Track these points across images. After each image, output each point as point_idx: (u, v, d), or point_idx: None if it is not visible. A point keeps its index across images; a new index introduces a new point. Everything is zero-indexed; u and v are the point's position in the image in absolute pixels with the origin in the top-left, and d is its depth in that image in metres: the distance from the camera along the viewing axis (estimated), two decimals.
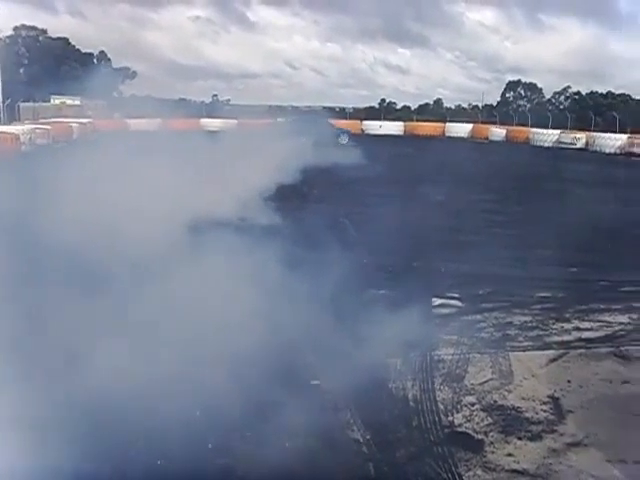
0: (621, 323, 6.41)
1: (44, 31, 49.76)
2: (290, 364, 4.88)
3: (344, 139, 35.60)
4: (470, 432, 4.14)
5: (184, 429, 3.92)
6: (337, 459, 3.86)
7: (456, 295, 7.08)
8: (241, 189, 10.94)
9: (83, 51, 50.68)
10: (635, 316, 6.61)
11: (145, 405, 4.05)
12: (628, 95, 58.43)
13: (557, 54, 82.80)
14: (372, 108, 59.86)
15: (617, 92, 59.03)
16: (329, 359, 5.03)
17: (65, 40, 50.15)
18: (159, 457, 3.66)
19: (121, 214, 7.42)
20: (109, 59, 50.34)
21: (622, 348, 5.70)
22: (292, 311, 5.63)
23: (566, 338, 5.93)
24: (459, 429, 4.18)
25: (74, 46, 50.59)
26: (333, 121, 39.49)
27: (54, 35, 49.77)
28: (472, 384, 4.83)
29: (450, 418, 4.30)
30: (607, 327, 6.28)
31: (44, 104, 39.72)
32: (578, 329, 6.19)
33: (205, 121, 42.17)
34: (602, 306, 6.92)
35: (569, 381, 4.93)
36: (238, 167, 12.50)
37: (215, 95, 55.59)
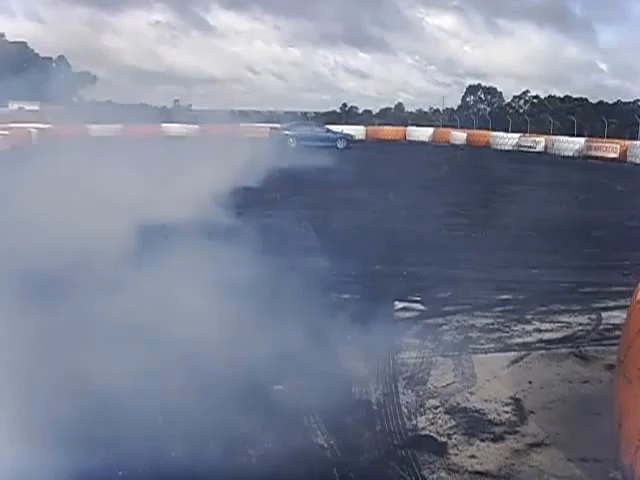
0: (581, 324, 6.48)
1: (1, 35, 49.19)
2: (251, 370, 4.85)
3: (341, 144, 37.35)
4: (433, 435, 4.15)
5: (145, 437, 3.88)
6: (301, 465, 3.83)
7: (418, 298, 7.11)
8: (194, 193, 10.91)
9: (42, 55, 50.18)
10: (594, 317, 6.70)
11: (104, 412, 4.02)
12: (585, 99, 59.31)
13: (515, 58, 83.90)
14: (334, 112, 60.05)
15: (575, 96, 59.90)
16: (291, 364, 5.01)
17: (23, 44, 49.59)
18: (120, 467, 3.61)
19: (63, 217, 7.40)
20: (68, 64, 49.78)
21: (582, 349, 5.76)
22: (252, 317, 5.64)
23: (527, 340, 5.98)
24: (422, 432, 4.18)
25: (32, 50, 50.06)
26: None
27: (12, 39, 49.26)
28: (435, 387, 4.84)
29: (414, 421, 4.30)
30: (567, 328, 6.35)
31: (1, 109, 39.14)
32: (539, 330, 6.25)
33: (167, 126, 41.79)
34: (562, 307, 7.00)
35: (530, 382, 4.97)
36: (194, 170, 12.49)
37: (177, 100, 55.29)
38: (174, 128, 41.54)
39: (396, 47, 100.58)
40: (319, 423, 4.22)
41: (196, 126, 41.23)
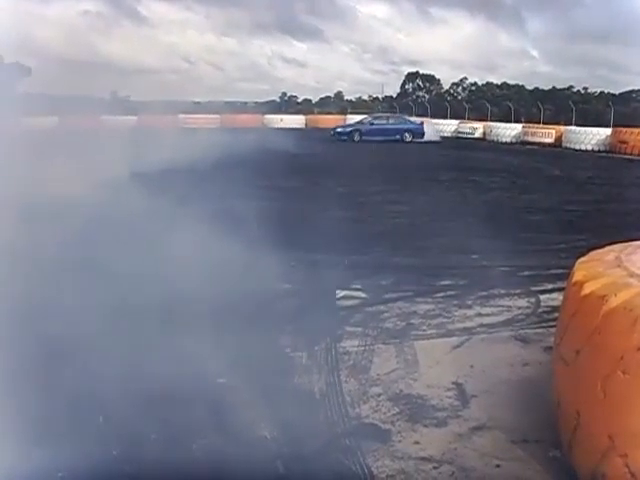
0: (520, 307, 6.57)
1: None
2: (195, 363, 4.80)
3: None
4: (377, 422, 4.15)
5: (86, 436, 3.81)
6: (245, 457, 3.80)
7: (359, 286, 7.13)
8: None
9: None
10: (533, 300, 6.80)
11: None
12: (522, 85, 60.27)
13: (449, 46, 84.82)
14: (273, 102, 59.77)
15: (511, 83, 60.83)
16: (234, 357, 4.97)
17: None
18: (58, 469, 3.52)
19: None
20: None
21: (522, 331, 5.85)
22: (196, 309, 5.59)
23: (468, 324, 6.03)
24: (366, 420, 4.18)
25: None
26: None
27: None
28: (378, 375, 4.84)
29: (357, 410, 4.30)
30: (507, 312, 6.43)
31: None
32: (480, 315, 6.32)
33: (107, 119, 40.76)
34: (502, 291, 7.08)
35: (472, 366, 5.01)
36: None
37: (114, 91, 54.21)
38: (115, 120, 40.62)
39: (331, 36, 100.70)
40: (262, 414, 4.18)
41: (135, 117, 40.66)
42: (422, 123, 38.40)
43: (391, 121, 38.31)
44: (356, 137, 36.49)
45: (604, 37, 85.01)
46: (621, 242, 4.04)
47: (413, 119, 40.91)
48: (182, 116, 42.17)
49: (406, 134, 36.44)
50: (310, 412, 4.28)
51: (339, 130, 37.88)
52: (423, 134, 36.71)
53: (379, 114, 42.85)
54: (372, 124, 37.71)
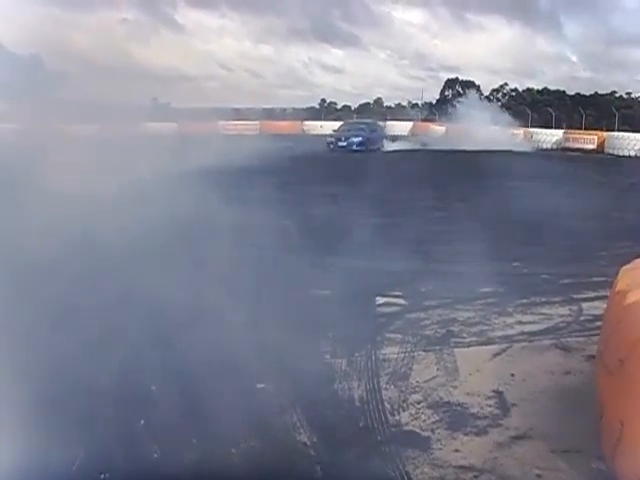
0: (561, 315, 6.51)
1: None
2: (234, 368, 4.84)
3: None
4: (417, 430, 4.14)
5: (126, 437, 3.86)
6: (285, 463, 3.82)
7: (399, 293, 7.11)
8: None
9: (15, 53, 49.57)
10: (575, 308, 6.73)
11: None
12: (563, 91, 59.56)
13: (486, 52, 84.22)
14: (312, 109, 59.77)
15: (552, 88, 60.15)
16: (273, 362, 5.01)
17: None
18: (102, 470, 3.57)
19: None
20: (42, 62, 49.08)
21: (563, 340, 5.79)
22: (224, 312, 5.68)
23: (509, 332, 6.00)
24: (406, 428, 4.17)
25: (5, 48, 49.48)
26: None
27: None
28: (417, 382, 4.84)
29: (397, 417, 4.30)
30: (548, 320, 6.38)
31: None
32: (520, 323, 6.27)
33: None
34: (543, 299, 7.03)
35: (513, 375, 4.98)
36: None
37: (155, 98, 54.70)
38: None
39: (367, 42, 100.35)
40: (302, 420, 4.20)
41: (174, 124, 40.99)
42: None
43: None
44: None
45: None
46: None
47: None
48: (222, 123, 42.40)
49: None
50: (350, 418, 4.28)
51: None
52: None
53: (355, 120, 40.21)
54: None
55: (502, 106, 51.03)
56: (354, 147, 31.77)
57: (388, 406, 4.43)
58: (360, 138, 32.69)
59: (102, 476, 3.48)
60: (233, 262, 7.68)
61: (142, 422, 4.10)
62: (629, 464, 3.08)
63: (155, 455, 3.80)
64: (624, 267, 3.81)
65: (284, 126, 47.92)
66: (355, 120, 39.99)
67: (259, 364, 5.01)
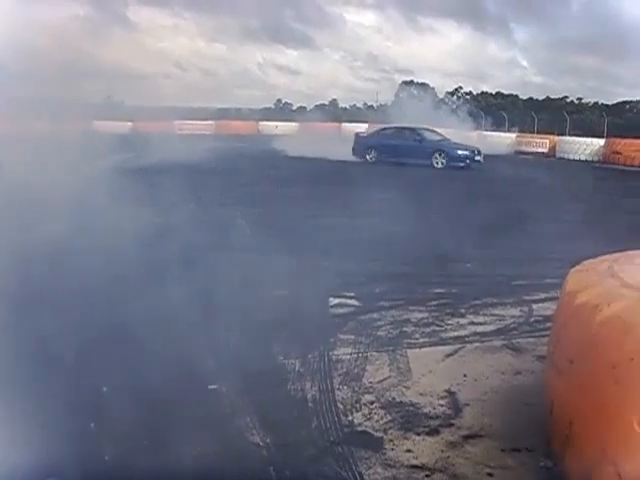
0: (513, 316, 6.59)
1: None
2: (186, 369, 4.80)
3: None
4: (370, 430, 4.14)
5: (75, 441, 3.80)
6: (237, 464, 3.80)
7: (352, 294, 7.12)
8: None
9: None
10: (526, 309, 6.81)
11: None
12: (516, 95, 60.50)
13: (439, 55, 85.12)
14: (268, 109, 59.69)
15: (506, 92, 61.06)
16: (226, 363, 4.99)
17: None
18: (48, 473, 3.51)
19: None
20: None
21: (514, 341, 5.86)
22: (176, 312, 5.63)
23: (461, 333, 6.05)
24: (359, 428, 4.17)
25: None
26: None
27: None
28: (370, 382, 4.84)
29: (349, 417, 4.29)
30: (500, 320, 6.45)
31: None
32: (473, 323, 6.33)
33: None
34: (495, 300, 7.10)
35: (465, 375, 5.02)
36: None
37: (109, 96, 53.98)
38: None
39: (321, 43, 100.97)
40: (254, 421, 4.18)
41: (129, 123, 40.69)
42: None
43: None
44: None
45: (594, 48, 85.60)
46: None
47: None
48: (177, 122, 42.19)
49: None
50: (303, 419, 4.27)
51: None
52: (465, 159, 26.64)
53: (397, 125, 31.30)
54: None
55: (456, 109, 51.57)
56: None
57: (341, 407, 4.43)
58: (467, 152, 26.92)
59: None
60: (177, 261, 7.68)
61: (91, 425, 4.04)
62: (577, 462, 3.12)
63: (105, 458, 3.74)
64: (573, 268, 3.86)
65: (239, 126, 47.90)
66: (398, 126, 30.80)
67: (211, 365, 4.99)
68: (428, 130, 29.54)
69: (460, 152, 26.60)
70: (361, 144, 28.89)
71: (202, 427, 4.10)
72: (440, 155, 26.45)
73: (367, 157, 28.13)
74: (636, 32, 74.36)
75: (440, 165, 26.20)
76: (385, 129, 29.88)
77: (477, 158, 26.73)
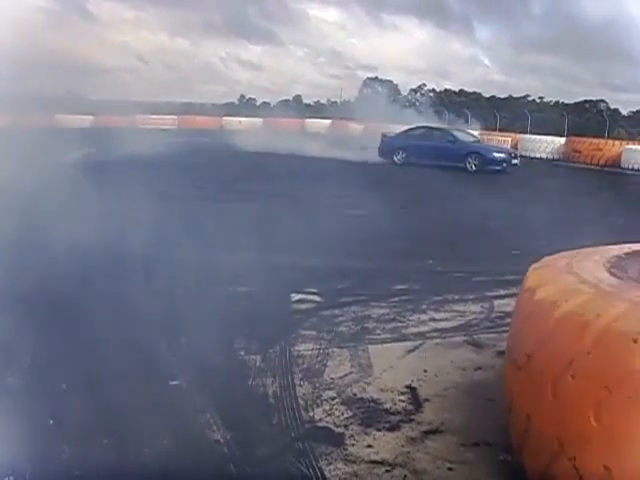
0: (474, 312, 6.63)
1: None
2: (147, 365, 4.77)
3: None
4: (331, 426, 4.14)
5: (32, 437, 3.74)
6: (197, 461, 3.77)
7: (314, 290, 7.12)
8: None
9: None
10: (487, 305, 6.87)
11: None
12: (479, 93, 61.05)
13: (402, 52, 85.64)
14: (231, 104, 59.42)
15: (469, 90, 61.60)
16: (187, 359, 4.96)
17: None
18: (5, 473, 3.45)
19: None
20: None
21: (475, 336, 5.90)
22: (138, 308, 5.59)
23: (422, 329, 6.07)
24: (320, 424, 4.17)
25: None
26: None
27: None
28: (332, 378, 4.84)
29: (311, 413, 4.29)
30: (461, 317, 6.49)
31: None
32: (434, 320, 6.36)
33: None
34: (456, 296, 7.15)
35: (426, 371, 5.04)
36: None
37: (70, 90, 53.41)
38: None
39: (284, 39, 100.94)
40: (215, 418, 4.15)
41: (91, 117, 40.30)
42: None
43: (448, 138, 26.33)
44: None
45: (555, 48, 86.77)
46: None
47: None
48: (139, 117, 41.87)
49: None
50: (264, 416, 4.25)
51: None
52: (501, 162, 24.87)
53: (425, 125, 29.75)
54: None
55: (420, 106, 51.86)
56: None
57: (302, 402, 4.42)
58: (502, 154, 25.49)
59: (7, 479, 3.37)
60: (133, 258, 7.64)
61: (50, 422, 3.98)
62: (535, 456, 3.15)
63: (63, 455, 3.69)
64: (533, 265, 3.90)
65: (203, 121, 47.65)
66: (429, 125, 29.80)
67: (172, 361, 4.96)
68: (461, 131, 28.74)
69: (496, 155, 25.03)
70: (388, 145, 27.44)
71: (162, 424, 4.07)
72: (474, 157, 24.73)
73: (395, 159, 26.54)
74: (596, 33, 75.50)
75: (474, 168, 24.52)
76: (412, 129, 28.34)
77: (514, 161, 25.41)
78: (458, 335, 5.95)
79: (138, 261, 7.65)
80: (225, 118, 49.33)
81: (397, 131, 29.01)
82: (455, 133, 27.07)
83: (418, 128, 28.35)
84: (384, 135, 28.43)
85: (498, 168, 24.39)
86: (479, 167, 24.38)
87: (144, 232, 8.47)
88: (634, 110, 58.98)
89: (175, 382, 4.64)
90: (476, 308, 6.78)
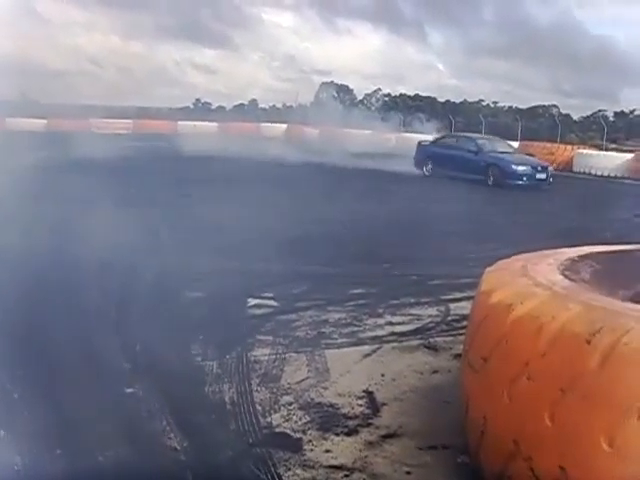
0: (430, 315, 6.68)
1: None
2: (103, 372, 4.71)
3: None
4: (288, 432, 4.13)
5: None
6: (154, 469, 3.73)
7: (271, 295, 7.10)
8: None
9: None
10: (443, 308, 6.92)
11: None
12: (434, 98, 61.67)
13: (358, 57, 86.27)
14: (187, 108, 59.10)
15: (424, 95, 62.22)
16: (143, 365, 4.91)
17: None
18: None
19: None
20: None
21: (431, 340, 5.94)
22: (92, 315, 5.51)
23: (379, 333, 6.09)
24: (277, 429, 4.15)
25: None
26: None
27: None
28: (289, 383, 4.83)
29: (268, 419, 4.27)
30: (417, 320, 6.52)
31: None
32: (390, 323, 6.38)
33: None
34: (412, 300, 7.19)
35: (383, 375, 5.05)
36: None
37: (23, 93, 52.52)
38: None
39: (239, 43, 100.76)
40: (172, 425, 4.11)
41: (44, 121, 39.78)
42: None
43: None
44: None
45: (506, 54, 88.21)
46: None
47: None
48: (93, 121, 41.38)
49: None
50: (221, 422, 4.22)
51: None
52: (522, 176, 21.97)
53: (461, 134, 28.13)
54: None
55: (375, 110, 52.13)
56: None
57: (260, 408, 4.40)
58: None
59: None
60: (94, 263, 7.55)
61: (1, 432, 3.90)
62: (492, 457, 3.18)
63: (15, 467, 3.62)
64: (488, 268, 3.93)
65: (158, 125, 47.23)
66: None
67: (128, 368, 4.90)
68: (490, 139, 26.01)
69: (515, 167, 22.02)
70: (421, 154, 25.37)
71: (118, 431, 4.02)
72: (493, 170, 22.10)
73: (424, 170, 24.58)
74: (546, 39, 76.83)
75: (492, 182, 21.94)
76: (446, 136, 26.68)
77: (539, 176, 22.26)
78: (415, 339, 5.98)
79: (87, 267, 7.55)
80: (180, 122, 48.95)
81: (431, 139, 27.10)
82: (480, 142, 24.26)
83: (451, 136, 26.73)
84: (419, 144, 26.22)
85: (519, 183, 21.63)
86: (497, 181, 21.81)
87: (91, 238, 8.37)
88: (584, 115, 60.34)
89: (131, 389, 4.58)
90: (432, 311, 6.82)
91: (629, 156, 32.11)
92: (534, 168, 22.27)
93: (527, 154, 26.09)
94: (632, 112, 59.82)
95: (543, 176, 22.26)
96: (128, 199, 12.94)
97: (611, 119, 58.70)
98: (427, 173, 24.35)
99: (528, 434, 2.94)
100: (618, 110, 60.18)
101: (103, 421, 4.13)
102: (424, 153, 25.10)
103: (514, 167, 21.95)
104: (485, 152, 22.94)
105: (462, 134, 27.11)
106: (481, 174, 22.04)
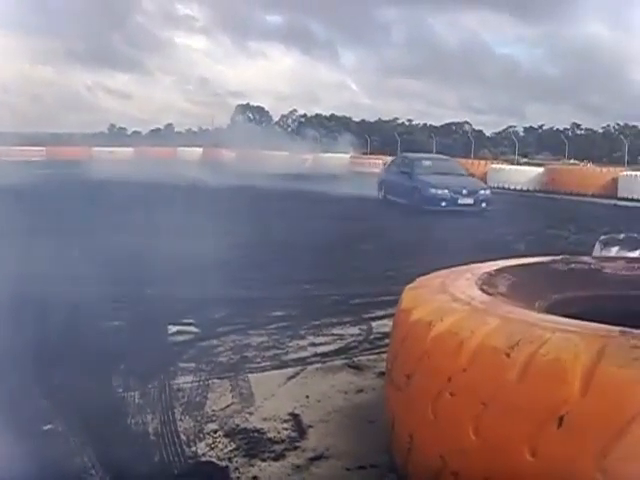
0: (352, 335, 6.71)
1: None
2: (16, 411, 4.53)
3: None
4: (214, 460, 4.06)
5: None
6: None
7: (191, 321, 7.01)
8: None
9: None
10: (365, 327, 6.96)
11: None
12: (349, 117, 62.52)
13: (271, 78, 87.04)
14: (102, 134, 58.21)
15: (339, 114, 62.97)
16: (61, 401, 4.75)
17: None
18: None
19: None
20: None
21: (355, 359, 5.96)
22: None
23: (302, 354, 6.08)
24: (203, 458, 4.08)
25: None
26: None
27: None
28: (213, 410, 4.76)
29: (193, 448, 4.19)
30: (340, 340, 6.54)
31: None
32: (313, 344, 6.38)
33: None
34: (334, 320, 7.21)
35: (308, 396, 5.03)
36: None
37: None
38: None
39: (151, 67, 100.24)
40: (93, 460, 3.99)
41: None
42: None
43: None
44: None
45: (418, 74, 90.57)
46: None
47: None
48: (2, 148, 40.27)
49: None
50: (145, 454, 4.13)
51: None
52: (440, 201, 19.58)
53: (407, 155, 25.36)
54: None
55: (292, 131, 52.41)
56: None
57: (184, 437, 4.32)
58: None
59: None
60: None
61: None
62: (419, 473, 3.19)
63: None
64: (408, 285, 3.97)
65: (72, 152, 46.38)
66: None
67: (45, 404, 4.75)
68: (432, 158, 24.06)
69: (434, 191, 19.74)
70: (379, 179, 24.07)
71: (35, 471, 3.87)
72: (416, 194, 20.21)
73: (379, 195, 23.26)
74: (455, 58, 79.00)
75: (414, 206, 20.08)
76: (398, 158, 24.73)
77: (463, 201, 19.80)
78: (338, 359, 5.99)
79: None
80: (96, 148, 48.11)
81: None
82: (416, 162, 22.28)
83: (400, 157, 24.98)
84: (384, 164, 24.88)
85: (437, 208, 19.39)
86: (417, 205, 19.98)
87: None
88: (496, 131, 62.27)
89: (49, 426, 4.43)
90: (354, 330, 6.85)
91: (540, 170, 33.24)
92: (457, 192, 19.68)
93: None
94: (541, 127, 62.07)
95: (469, 201, 19.74)
96: (36, 227, 12.57)
97: (521, 134, 60.76)
98: (380, 198, 23.11)
99: (454, 449, 2.96)
100: (527, 125, 62.32)
101: (21, 460, 3.97)
102: (380, 178, 24.03)
103: (432, 191, 19.73)
104: (415, 173, 21.07)
105: (408, 155, 25.06)
106: (410, 198, 20.51)
